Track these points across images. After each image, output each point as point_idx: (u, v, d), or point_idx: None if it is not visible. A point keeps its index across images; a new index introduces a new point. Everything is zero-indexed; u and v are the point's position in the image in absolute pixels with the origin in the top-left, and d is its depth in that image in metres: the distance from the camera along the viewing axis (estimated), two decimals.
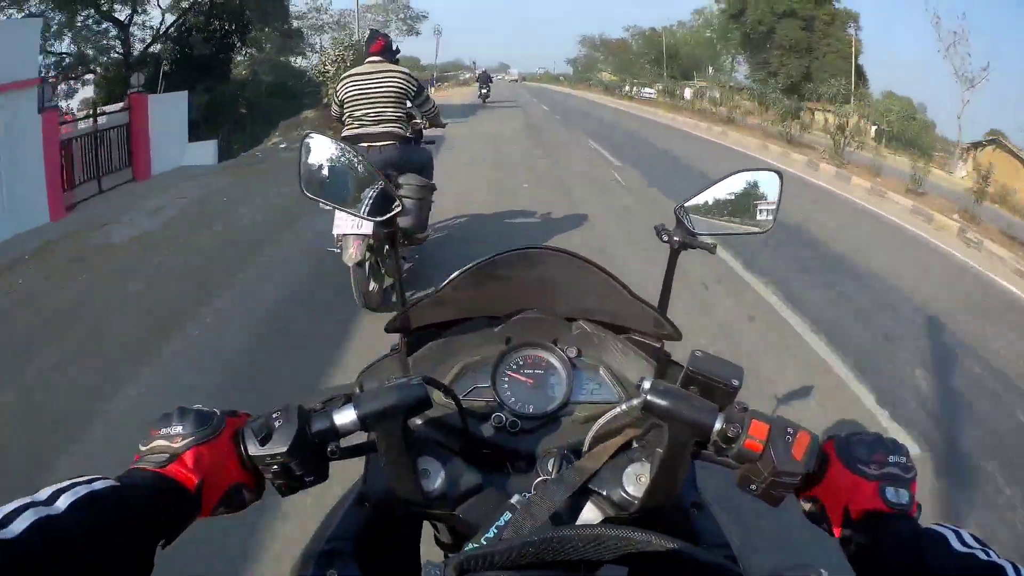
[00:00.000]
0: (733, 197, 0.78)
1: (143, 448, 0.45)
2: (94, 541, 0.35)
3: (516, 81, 52.22)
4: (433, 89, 23.24)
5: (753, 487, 0.50)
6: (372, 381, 0.55)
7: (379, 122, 2.72)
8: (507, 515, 0.51)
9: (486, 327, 0.73)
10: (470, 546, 0.48)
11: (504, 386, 0.67)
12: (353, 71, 2.80)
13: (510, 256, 0.66)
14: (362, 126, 2.72)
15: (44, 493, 0.36)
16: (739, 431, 0.48)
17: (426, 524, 0.66)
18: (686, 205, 0.77)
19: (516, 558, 0.38)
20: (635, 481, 0.56)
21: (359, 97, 2.71)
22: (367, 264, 2.55)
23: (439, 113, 3.02)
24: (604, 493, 0.56)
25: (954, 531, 0.44)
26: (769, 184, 0.79)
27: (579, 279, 0.69)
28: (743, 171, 0.78)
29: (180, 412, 0.46)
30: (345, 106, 2.74)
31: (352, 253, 2.41)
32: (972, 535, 0.43)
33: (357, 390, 0.52)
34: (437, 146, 4.74)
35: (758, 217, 0.78)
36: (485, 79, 19.22)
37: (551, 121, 13.14)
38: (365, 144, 2.65)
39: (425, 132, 3.26)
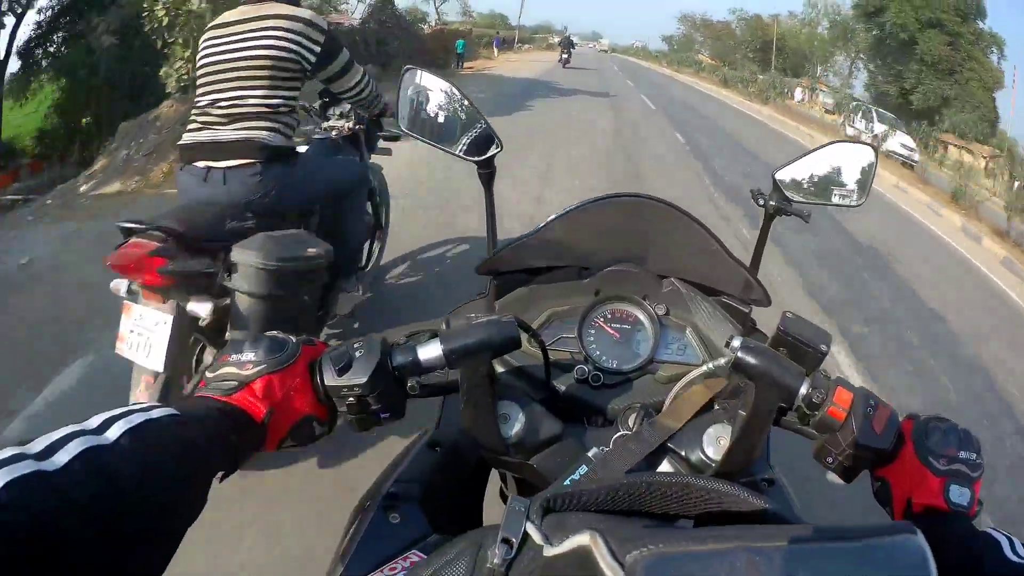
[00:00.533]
0: (828, 168, 0.81)
1: (210, 375, 0.43)
2: (147, 475, 0.33)
3: (605, 52, 50.65)
4: (496, 51, 20.88)
5: (830, 459, 0.50)
6: (459, 320, 0.55)
7: (231, 120, 1.43)
8: (583, 468, 0.50)
9: (576, 277, 0.73)
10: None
11: (590, 338, 0.67)
12: (215, 22, 1.53)
13: (608, 202, 0.66)
14: (202, 129, 1.46)
15: (95, 421, 0.34)
16: (824, 397, 0.48)
17: (491, 478, 0.67)
18: (782, 170, 0.79)
19: (603, 502, 0.38)
20: (715, 443, 0.55)
21: (211, 72, 1.47)
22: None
23: (379, 96, 1.71)
24: (683, 453, 0.55)
25: (1008, 538, 0.44)
26: (864, 158, 0.81)
27: (676, 234, 0.69)
28: (838, 142, 0.81)
29: (255, 339, 0.45)
30: (197, 89, 1.50)
31: (139, 393, 1.31)
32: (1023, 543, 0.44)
33: (444, 326, 0.52)
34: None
35: (850, 189, 0.82)
36: (567, 43, 19.24)
37: (657, 133, 7.80)
38: (202, 165, 1.42)
39: (382, 140, 2.02)
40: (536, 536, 0.32)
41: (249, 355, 0.44)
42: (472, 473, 0.63)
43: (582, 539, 0.29)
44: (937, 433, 0.50)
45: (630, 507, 0.39)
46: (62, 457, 0.30)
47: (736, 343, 0.49)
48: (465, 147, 0.75)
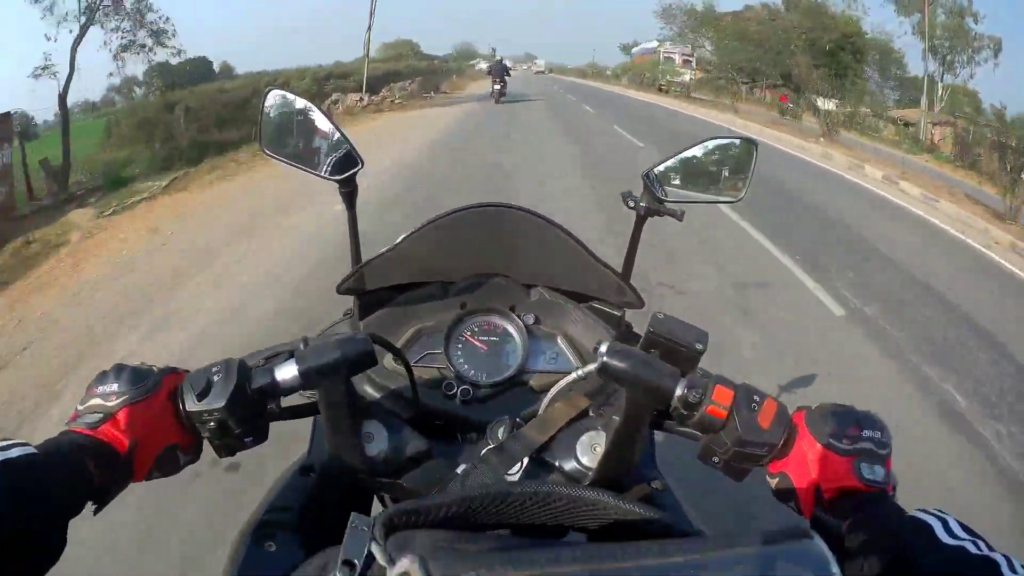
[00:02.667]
0: (705, 164, 0.82)
1: (80, 407, 0.47)
2: (4, 511, 0.36)
3: (542, 73, 51.20)
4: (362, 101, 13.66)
5: (716, 459, 0.51)
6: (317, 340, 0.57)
7: None
8: (451, 484, 0.52)
9: (442, 291, 0.75)
10: None
11: (457, 353, 0.70)
12: None
13: (470, 213, 0.68)
14: None
15: None
16: (701, 396, 0.49)
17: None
18: (655, 171, 0.80)
19: (456, 515, 0.38)
20: (590, 451, 0.56)
21: None
22: None
23: None
24: (556, 463, 0.56)
25: (940, 519, 0.43)
26: (743, 152, 0.83)
27: (541, 242, 0.71)
28: (716, 138, 0.82)
29: (116, 369, 0.48)
30: None
31: None
32: (960, 523, 0.43)
33: (301, 346, 0.54)
34: None
35: (729, 185, 0.83)
36: (500, 70, 15.26)
37: None
38: None
39: None
40: (380, 557, 0.32)
41: (113, 386, 0.47)
42: (351, 495, 0.63)
43: (406, 564, 0.29)
44: (834, 417, 0.50)
45: (497, 520, 0.39)
46: None
47: (603, 348, 0.49)
48: (327, 167, 0.78)
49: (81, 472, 0.42)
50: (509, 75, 15.88)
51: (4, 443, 0.39)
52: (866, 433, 0.49)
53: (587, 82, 35.67)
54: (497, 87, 15.11)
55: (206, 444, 0.51)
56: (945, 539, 0.41)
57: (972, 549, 0.40)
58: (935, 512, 0.44)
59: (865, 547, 0.44)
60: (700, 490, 0.60)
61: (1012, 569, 0.39)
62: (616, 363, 0.48)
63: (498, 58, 17.87)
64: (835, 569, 0.30)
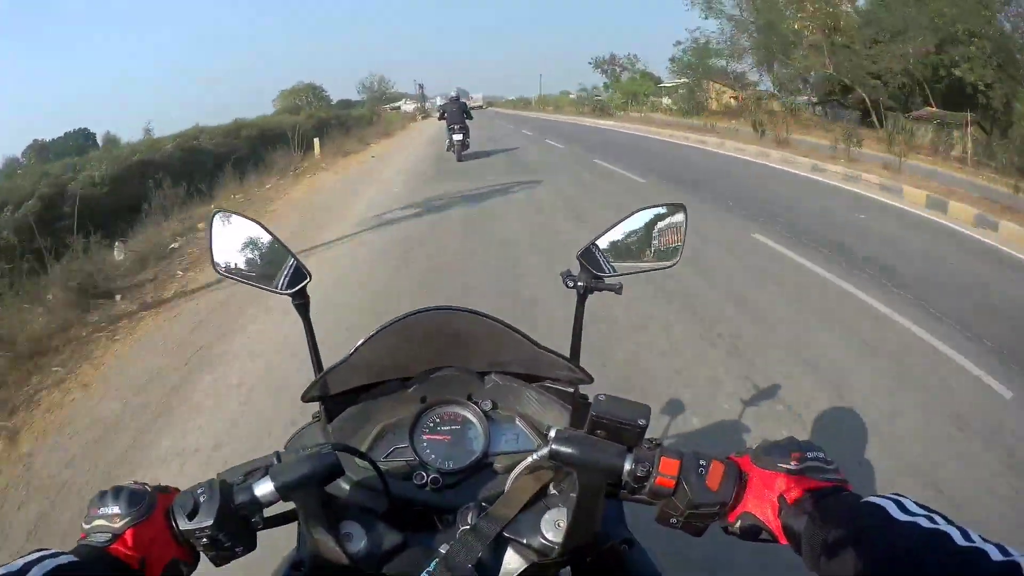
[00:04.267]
0: (638, 234, 0.91)
1: (86, 526, 0.55)
2: None
3: (481, 107, 50.81)
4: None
5: (673, 521, 0.58)
6: (292, 450, 0.65)
7: None
8: (431, 568, 0.59)
9: (401, 388, 0.84)
10: None
11: (423, 444, 0.78)
12: None
13: (417, 317, 0.77)
14: None
15: (17, 564, 0.46)
16: (649, 469, 0.56)
17: None
18: (589, 247, 0.89)
19: None
20: (554, 527, 0.63)
21: None
22: None
23: None
24: (524, 541, 0.64)
25: (895, 500, 0.47)
26: (674, 218, 0.91)
27: (488, 335, 0.80)
28: (646, 208, 0.91)
29: (114, 492, 0.56)
30: None
31: None
32: (915, 502, 0.47)
33: (275, 461, 0.61)
34: None
35: (663, 251, 0.91)
36: (458, 112, 11.26)
37: None
38: None
39: None
40: None
41: (114, 508, 0.54)
42: None
43: None
44: (777, 449, 0.56)
45: None
46: None
47: (552, 434, 0.57)
48: (279, 282, 0.86)
49: None
50: (471, 117, 11.61)
51: (50, 551, 0.49)
52: (810, 455, 0.55)
53: (541, 115, 36.05)
54: (457, 137, 11.11)
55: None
56: (899, 517, 0.45)
57: (925, 524, 0.44)
58: (891, 496, 0.48)
59: (824, 537, 0.48)
60: (675, 536, 0.65)
61: (967, 539, 0.42)
62: (564, 449, 0.56)
63: (453, 95, 12.06)
64: None
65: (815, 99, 21.62)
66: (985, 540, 0.42)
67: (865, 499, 0.49)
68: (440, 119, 12.12)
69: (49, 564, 0.47)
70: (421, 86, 57.12)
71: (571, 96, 45.78)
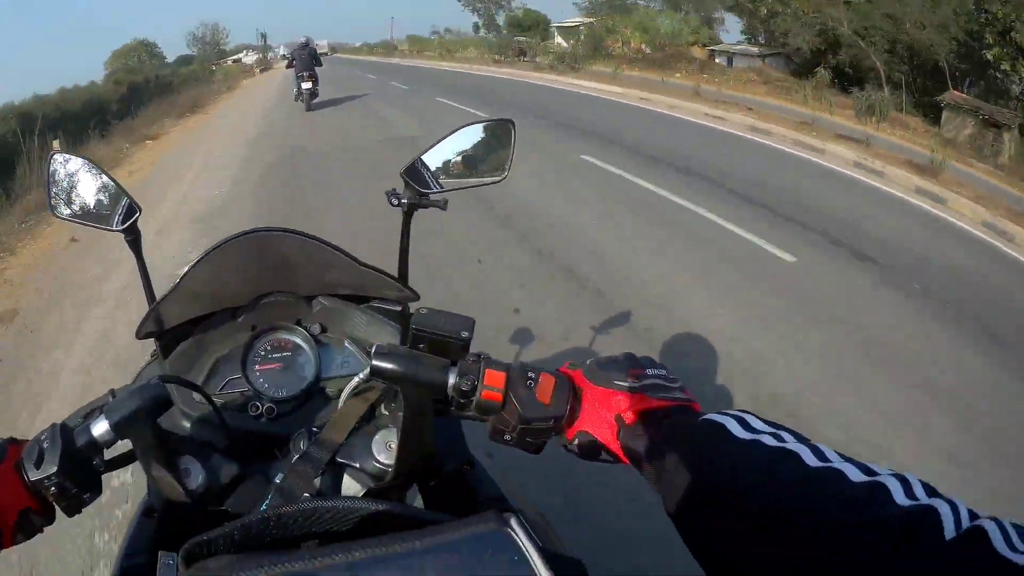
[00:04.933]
0: (466, 150, 0.91)
1: None
2: None
3: (325, 54, 46.43)
4: None
5: (507, 437, 0.56)
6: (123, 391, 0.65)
7: None
8: (268, 499, 0.61)
9: (231, 318, 0.84)
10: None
11: (256, 374, 0.78)
12: None
13: (239, 241, 0.76)
14: None
15: None
16: (474, 383, 0.55)
17: None
18: (414, 164, 0.89)
19: (244, 540, 0.45)
20: (385, 448, 0.65)
21: None
22: None
23: None
24: (357, 465, 0.65)
25: (737, 417, 0.45)
26: (501, 133, 0.93)
27: (313, 257, 0.81)
28: (473, 123, 0.92)
29: None
30: None
31: None
32: (761, 419, 0.45)
33: (110, 399, 0.61)
34: None
35: (491, 166, 0.93)
36: (307, 58, 10.92)
37: None
38: None
39: None
40: None
41: None
42: (195, 526, 0.66)
43: None
44: (613, 364, 0.55)
45: (284, 536, 0.46)
46: None
47: (373, 351, 0.56)
48: (113, 220, 0.87)
49: None
50: (320, 64, 11.47)
51: None
52: (650, 371, 0.54)
53: (423, 64, 28.65)
54: (306, 86, 10.82)
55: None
56: (741, 435, 0.43)
57: (768, 442, 0.42)
58: (734, 412, 0.46)
59: (663, 460, 0.46)
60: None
61: (820, 458, 0.39)
62: (384, 364, 0.55)
63: (302, 40, 11.73)
64: (527, 550, 0.38)
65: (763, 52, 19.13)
66: (845, 459, 0.39)
67: (704, 417, 0.47)
68: (288, 67, 12.04)
69: None
70: (264, 35, 52.41)
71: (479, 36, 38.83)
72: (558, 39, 28.51)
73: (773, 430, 0.43)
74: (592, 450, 0.55)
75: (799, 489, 0.37)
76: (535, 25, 35.09)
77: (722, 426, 0.44)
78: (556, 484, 1.82)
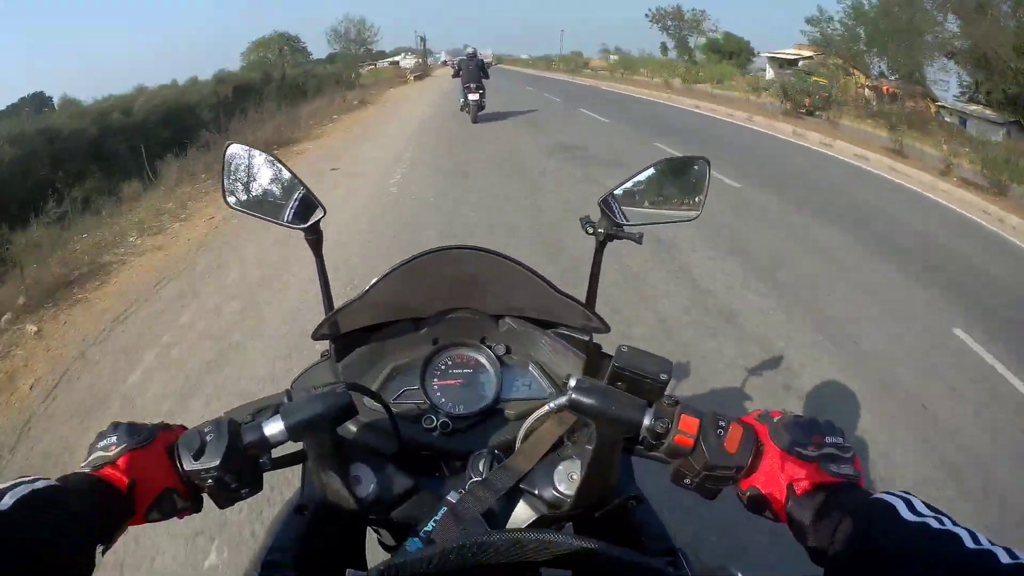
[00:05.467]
0: (662, 185, 1.11)
1: (83, 463, 0.66)
2: (38, 538, 0.52)
3: (491, 65, 48.69)
4: None
5: (687, 481, 0.68)
6: (302, 390, 0.74)
7: None
8: (440, 514, 0.70)
9: (413, 329, 0.98)
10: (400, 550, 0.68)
11: (434, 387, 0.92)
12: None
13: (433, 256, 0.88)
14: None
15: None
16: (668, 426, 0.66)
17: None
18: (612, 194, 1.08)
19: (436, 566, 0.53)
20: (567, 479, 0.75)
21: None
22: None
23: None
24: (536, 492, 0.76)
25: (904, 499, 0.57)
26: (698, 171, 1.11)
27: (504, 277, 0.93)
28: (671, 159, 1.11)
29: (114, 426, 0.68)
30: None
31: None
32: (924, 503, 0.56)
33: (285, 400, 0.71)
34: None
35: (685, 203, 1.11)
36: (474, 69, 12.69)
37: None
38: None
39: None
40: None
41: (112, 439, 0.66)
42: (345, 531, 0.82)
43: None
44: (797, 428, 0.67)
45: (468, 565, 0.54)
46: None
47: (572, 383, 0.67)
48: (291, 216, 1.02)
49: (94, 504, 0.60)
50: (487, 76, 13.19)
51: (28, 478, 0.58)
52: (828, 440, 0.66)
53: (575, 79, 32.50)
54: (473, 97, 12.51)
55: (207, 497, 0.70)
56: (908, 517, 0.54)
57: (934, 525, 0.53)
58: (899, 493, 0.58)
59: (830, 531, 0.58)
60: (683, 495, 0.78)
61: (976, 542, 0.50)
62: (584, 399, 0.65)
63: (469, 50, 13.72)
64: None
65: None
66: (993, 543, 0.50)
67: (874, 496, 0.59)
68: (455, 76, 14.45)
69: (23, 490, 0.55)
70: (423, 38, 55.21)
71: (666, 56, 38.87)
72: (768, 72, 27.97)
73: (935, 514, 0.55)
74: (759, 505, 0.66)
75: (959, 570, 0.48)
76: (736, 53, 35.09)
77: (892, 507, 0.56)
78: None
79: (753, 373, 3.32)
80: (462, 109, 13.42)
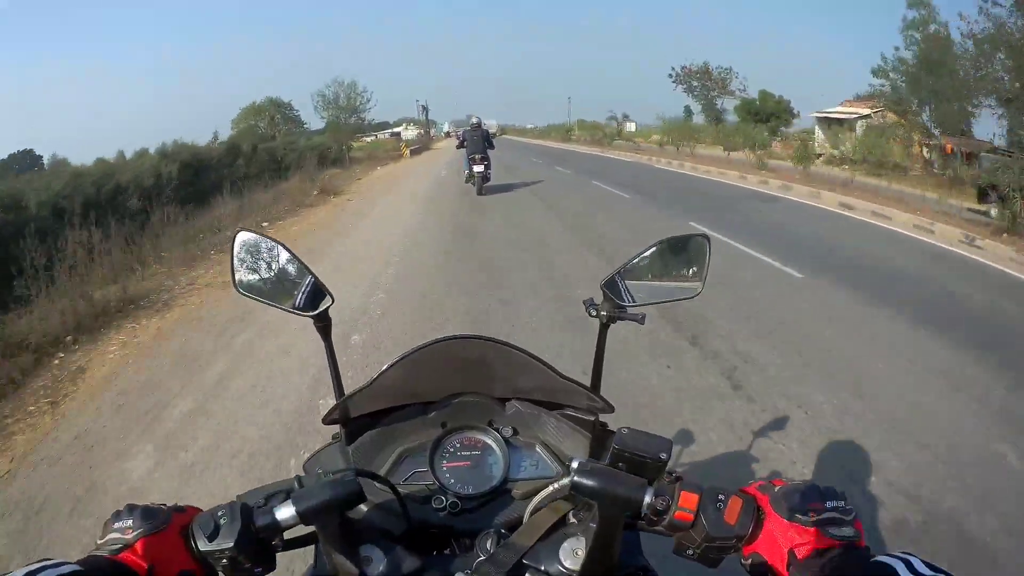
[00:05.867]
0: (662, 264, 1.29)
1: (99, 541, 0.77)
2: None
3: (495, 135, 49.93)
4: None
5: (690, 552, 0.81)
6: (312, 473, 0.90)
7: None
8: None
9: (422, 412, 1.15)
10: None
11: (443, 469, 1.06)
12: None
13: (438, 346, 1.05)
14: None
15: (18, 574, 0.63)
16: (669, 503, 0.78)
17: None
18: (612, 278, 1.25)
19: None
20: (572, 555, 0.88)
21: None
22: None
23: None
24: (542, 568, 0.88)
25: (904, 560, 0.65)
26: (697, 249, 1.30)
27: (510, 363, 1.10)
28: (671, 238, 1.30)
29: (129, 508, 0.79)
30: None
31: None
32: (925, 562, 0.64)
33: (296, 485, 0.84)
34: None
35: (687, 281, 1.29)
36: (479, 140, 14.26)
37: None
38: None
39: None
40: None
41: (128, 522, 0.77)
42: None
43: None
44: (796, 495, 0.78)
45: None
46: None
47: (574, 465, 0.80)
48: (299, 303, 1.20)
49: None
50: (492, 147, 14.87)
51: (54, 561, 0.68)
52: (829, 504, 0.76)
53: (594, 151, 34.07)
54: (478, 169, 14.00)
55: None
56: None
57: None
58: (900, 554, 0.67)
59: None
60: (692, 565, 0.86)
61: None
62: (586, 481, 0.78)
63: (474, 120, 15.11)
64: None
65: None
66: None
67: (874, 559, 0.68)
68: (459, 147, 15.78)
69: (51, 574, 0.63)
70: (424, 107, 57.56)
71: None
72: (816, 134, 27.81)
73: (934, 573, 0.63)
74: (762, 572, 0.77)
75: None
76: (775, 114, 35.07)
77: (893, 569, 0.65)
78: None
79: None
80: (467, 181, 14.74)
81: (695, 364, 4.95)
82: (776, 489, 0.80)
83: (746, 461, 3.53)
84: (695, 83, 39.16)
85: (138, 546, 0.75)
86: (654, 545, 1.04)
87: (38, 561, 0.66)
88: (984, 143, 18.74)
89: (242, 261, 1.23)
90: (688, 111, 40.36)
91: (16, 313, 6.42)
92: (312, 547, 0.99)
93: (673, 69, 40.63)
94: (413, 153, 34.74)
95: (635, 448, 0.81)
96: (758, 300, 6.76)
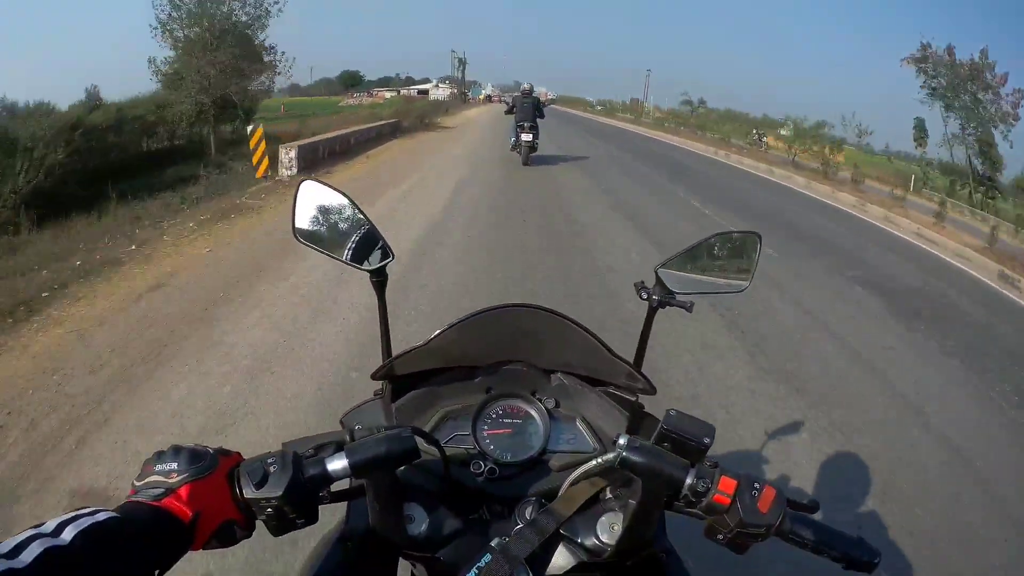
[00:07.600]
0: (713, 257, 1.36)
1: (138, 483, 0.74)
2: (99, 570, 0.60)
3: (547, 104, 47.12)
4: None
5: (720, 536, 0.85)
6: (358, 425, 0.88)
7: None
8: (486, 557, 0.85)
9: (467, 376, 1.20)
10: None
11: (484, 434, 1.11)
12: None
13: (493, 313, 1.09)
14: None
15: (50, 525, 0.61)
16: (708, 486, 0.82)
17: (402, 562, 1.06)
18: (666, 264, 1.32)
19: None
20: (609, 529, 0.93)
21: None
22: None
23: None
24: (579, 540, 0.94)
25: None
26: (748, 245, 1.37)
27: (559, 334, 1.14)
28: (724, 232, 1.36)
29: (175, 450, 0.77)
30: None
31: None
32: None
33: (348, 437, 0.85)
34: None
35: (736, 276, 1.35)
36: (529, 108, 13.92)
37: None
38: None
39: None
40: None
41: (172, 464, 0.75)
42: (386, 562, 1.00)
43: None
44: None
45: None
46: (27, 556, 0.56)
47: (622, 441, 0.85)
48: (359, 256, 1.26)
49: (154, 536, 0.69)
50: (542, 116, 14.44)
51: (89, 509, 0.66)
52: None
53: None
54: (526, 138, 13.56)
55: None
56: None
57: None
58: None
59: None
60: (709, 548, 0.92)
61: None
62: (634, 457, 0.83)
63: (525, 86, 15.30)
64: None
65: None
66: None
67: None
68: (508, 113, 15.53)
69: (85, 522, 0.61)
70: (462, 60, 53.64)
71: None
72: None
73: None
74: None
75: None
76: None
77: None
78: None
79: None
80: (512, 149, 14.64)
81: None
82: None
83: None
84: (940, 75, 21.47)
85: (183, 491, 0.73)
86: (673, 530, 1.09)
87: (74, 510, 0.65)
88: None
89: (304, 208, 1.27)
90: (921, 127, 23.11)
91: None
92: (341, 504, 1.02)
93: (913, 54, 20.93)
94: (432, 127, 24.65)
95: (681, 430, 0.86)
96: None
